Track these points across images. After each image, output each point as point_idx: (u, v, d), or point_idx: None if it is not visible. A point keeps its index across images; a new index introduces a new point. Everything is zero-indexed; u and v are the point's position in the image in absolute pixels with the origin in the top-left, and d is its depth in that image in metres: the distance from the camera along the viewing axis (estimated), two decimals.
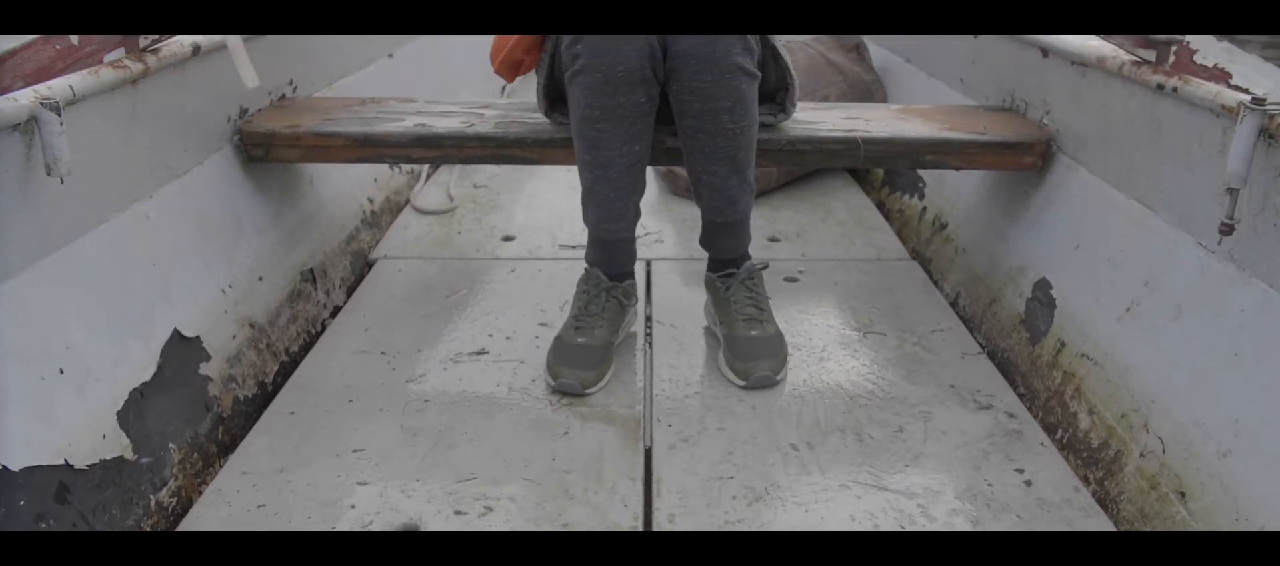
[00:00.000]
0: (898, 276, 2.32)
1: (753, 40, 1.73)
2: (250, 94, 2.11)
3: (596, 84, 1.68)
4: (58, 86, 1.45)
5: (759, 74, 1.76)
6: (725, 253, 1.89)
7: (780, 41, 1.89)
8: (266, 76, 2.20)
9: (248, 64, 1.77)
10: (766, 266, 1.94)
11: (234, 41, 1.76)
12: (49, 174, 1.39)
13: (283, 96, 2.28)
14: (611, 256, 1.86)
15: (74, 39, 1.64)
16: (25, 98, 1.37)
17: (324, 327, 2.08)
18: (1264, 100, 1.42)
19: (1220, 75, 1.69)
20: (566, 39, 1.71)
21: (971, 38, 2.54)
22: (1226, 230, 1.48)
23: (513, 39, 1.90)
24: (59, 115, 1.38)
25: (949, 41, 2.70)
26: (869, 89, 2.99)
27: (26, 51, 1.58)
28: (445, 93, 3.27)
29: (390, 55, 3.02)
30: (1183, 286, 1.62)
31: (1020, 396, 1.81)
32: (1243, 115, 1.43)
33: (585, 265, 1.89)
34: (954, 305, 2.20)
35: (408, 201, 2.78)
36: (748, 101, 1.73)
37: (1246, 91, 1.62)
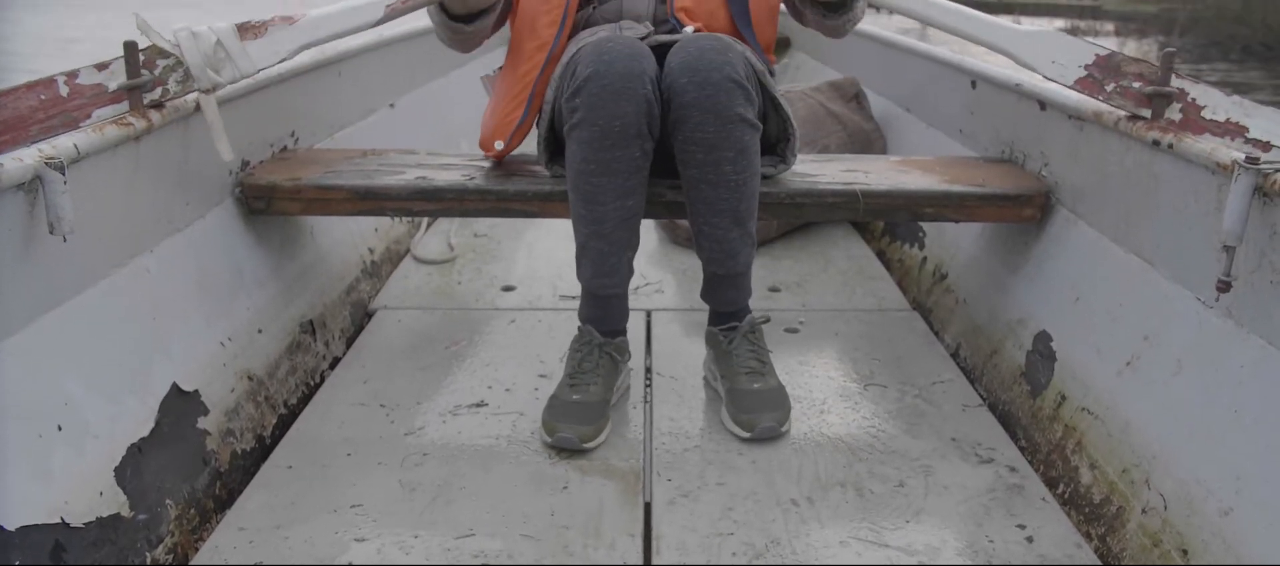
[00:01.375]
0: (898, 327, 2.32)
1: (753, 91, 1.75)
2: (251, 146, 2.12)
3: (593, 137, 1.70)
4: (62, 145, 1.46)
5: (761, 125, 1.78)
6: (726, 305, 1.89)
7: (780, 91, 1.91)
8: (268, 128, 2.22)
9: (223, 136, 1.78)
10: (768, 320, 1.94)
11: (212, 113, 1.76)
12: (52, 232, 1.40)
13: (284, 148, 2.30)
14: (605, 313, 1.86)
15: (62, 89, 1.64)
16: (29, 157, 1.38)
17: (323, 379, 2.08)
18: (1258, 159, 1.43)
19: (1236, 129, 1.70)
20: (566, 92, 1.73)
21: (970, 88, 2.55)
22: (1223, 287, 1.48)
23: (492, 151, 1.98)
24: (63, 174, 1.39)
25: (948, 92, 2.72)
26: (869, 138, 3.01)
27: (6, 98, 1.58)
28: (447, 143, 3.30)
29: (391, 105, 3.03)
30: (1182, 341, 1.62)
31: (1022, 450, 1.80)
32: (1237, 174, 1.44)
33: (578, 323, 1.89)
34: (955, 356, 2.19)
35: (408, 250, 2.78)
36: (750, 152, 1.75)
37: (1267, 144, 1.64)
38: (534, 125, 1.98)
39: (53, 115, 1.61)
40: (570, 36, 1.95)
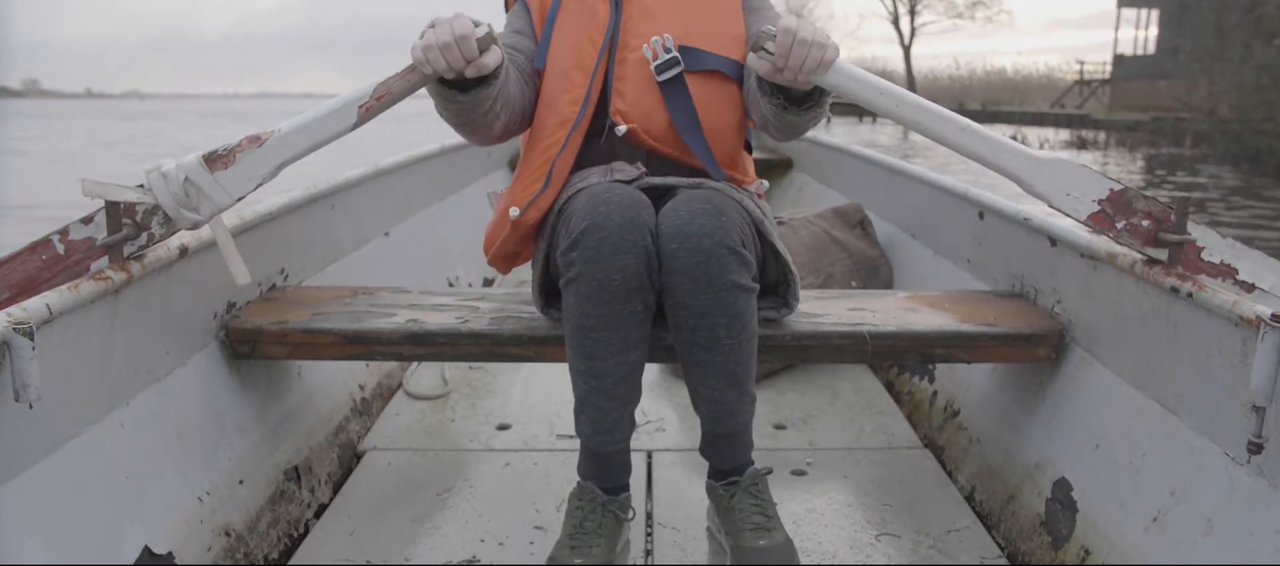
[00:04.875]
0: (909, 467, 2.23)
1: (749, 252, 1.68)
2: (238, 287, 2.05)
3: (592, 292, 1.63)
4: (33, 307, 1.39)
5: (757, 286, 1.70)
6: (727, 462, 1.80)
7: (782, 217, 1.84)
8: (257, 266, 2.15)
9: (238, 259, 1.69)
10: (770, 471, 1.84)
11: (225, 239, 1.68)
12: (17, 400, 1.32)
13: (273, 286, 2.23)
14: (607, 470, 1.77)
15: (59, 247, 1.59)
16: None
17: (307, 529, 1.98)
18: None
19: (1227, 271, 1.64)
20: (562, 244, 1.66)
21: (978, 219, 2.50)
22: (1254, 449, 1.40)
23: (506, 230, 1.85)
24: (32, 340, 1.31)
25: (955, 220, 2.66)
26: (874, 265, 2.95)
27: (16, 262, 1.58)
28: (444, 268, 3.24)
29: (386, 234, 2.98)
30: (1211, 500, 1.52)
31: None
32: (1264, 332, 1.37)
33: (578, 479, 1.79)
34: (969, 499, 2.09)
35: (400, 385, 2.70)
36: (745, 316, 1.67)
37: (1252, 287, 1.57)
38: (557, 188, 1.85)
39: (57, 273, 1.61)
40: (574, 165, 1.88)
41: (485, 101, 1.67)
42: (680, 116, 1.81)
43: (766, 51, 1.55)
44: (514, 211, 1.81)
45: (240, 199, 1.68)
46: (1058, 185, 1.74)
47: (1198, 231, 1.70)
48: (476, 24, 1.55)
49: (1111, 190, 1.74)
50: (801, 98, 1.66)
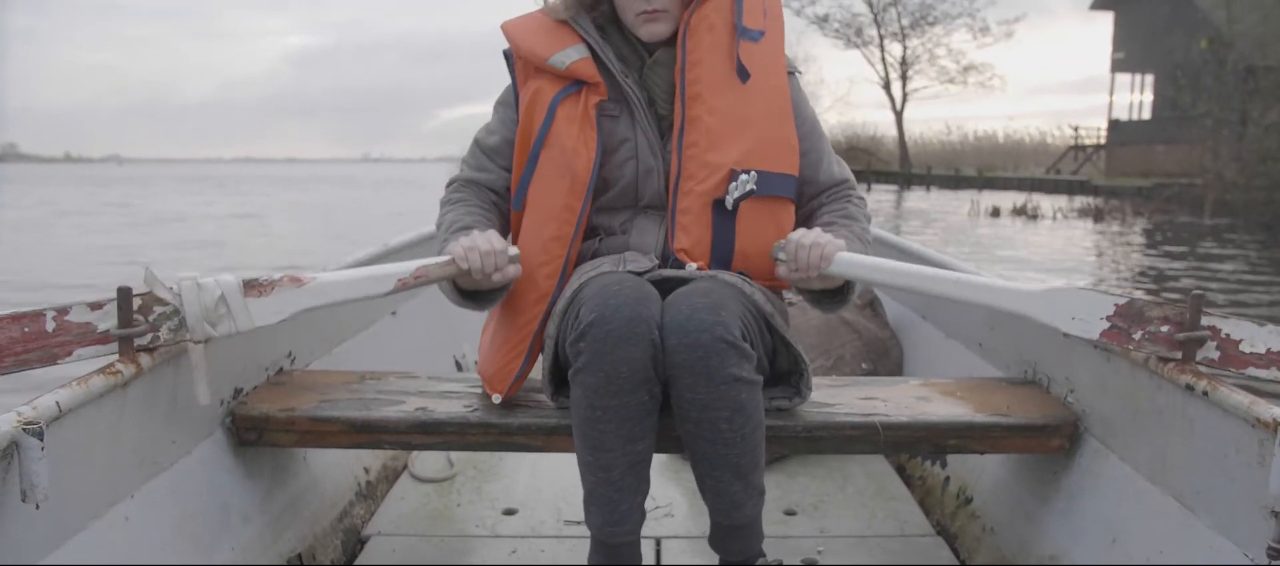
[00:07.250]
0: (923, 556, 2.19)
1: (751, 345, 1.68)
2: (245, 371, 2.04)
3: (599, 384, 1.64)
4: (44, 405, 1.37)
5: (759, 378, 1.70)
6: (736, 556, 1.78)
7: (791, 298, 1.84)
8: (264, 351, 2.14)
9: (204, 382, 1.70)
10: (780, 564, 1.82)
11: (198, 360, 1.69)
12: (24, 500, 1.30)
13: (279, 370, 2.21)
14: (617, 563, 1.74)
15: (49, 325, 1.57)
16: (7, 422, 1.29)
17: None
18: None
19: (1277, 359, 1.61)
20: (569, 336, 1.67)
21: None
22: (1274, 555, 1.38)
23: (498, 364, 1.90)
24: (41, 440, 1.30)
25: (966, 304, 2.64)
26: (885, 347, 2.94)
27: None
28: (450, 347, 3.23)
29: (393, 313, 2.97)
30: None
31: None
32: None
33: None
34: None
35: (406, 467, 2.67)
36: (748, 408, 1.67)
37: None
38: (537, 361, 1.91)
39: (32, 349, 1.56)
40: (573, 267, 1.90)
41: (492, 304, 1.87)
42: (720, 234, 1.85)
43: (780, 261, 1.80)
44: (496, 398, 1.90)
45: (257, 327, 1.73)
46: (1062, 311, 1.76)
47: (1230, 325, 1.68)
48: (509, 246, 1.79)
49: (1118, 305, 1.74)
50: (834, 291, 1.86)
